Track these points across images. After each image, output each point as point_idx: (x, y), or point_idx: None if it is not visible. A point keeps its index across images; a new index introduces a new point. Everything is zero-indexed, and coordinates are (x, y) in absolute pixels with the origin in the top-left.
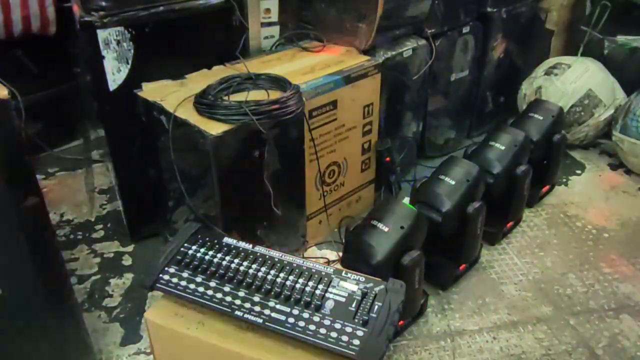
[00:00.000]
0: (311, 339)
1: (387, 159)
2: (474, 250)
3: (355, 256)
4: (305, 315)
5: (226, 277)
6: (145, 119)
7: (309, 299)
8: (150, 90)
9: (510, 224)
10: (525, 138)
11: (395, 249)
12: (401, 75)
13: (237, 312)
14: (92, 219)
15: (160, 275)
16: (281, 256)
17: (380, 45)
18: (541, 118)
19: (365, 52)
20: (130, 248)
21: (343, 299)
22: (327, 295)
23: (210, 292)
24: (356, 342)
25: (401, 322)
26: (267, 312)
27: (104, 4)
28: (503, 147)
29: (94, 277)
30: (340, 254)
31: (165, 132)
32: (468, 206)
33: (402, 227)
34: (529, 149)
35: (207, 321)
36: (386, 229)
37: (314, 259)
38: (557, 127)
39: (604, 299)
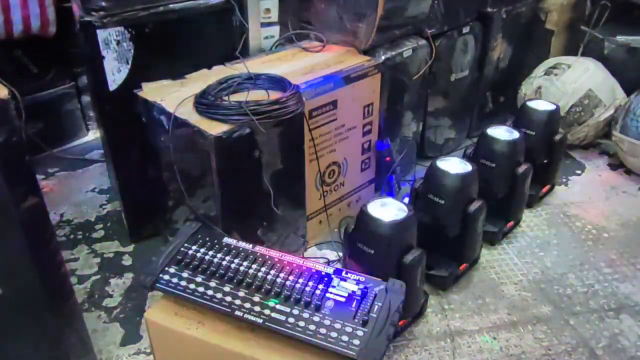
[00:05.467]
0: (311, 339)
1: (387, 159)
2: (474, 250)
3: None
4: (305, 315)
5: (226, 277)
6: (145, 119)
7: (309, 299)
8: (150, 90)
9: (511, 223)
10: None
11: None
12: (401, 75)
13: (237, 312)
14: (92, 219)
15: (160, 275)
16: (281, 256)
17: (380, 45)
18: None
19: (365, 52)
20: (130, 248)
21: (343, 299)
22: (327, 295)
23: (210, 292)
24: (356, 342)
25: (401, 322)
26: (267, 312)
27: (104, 4)
28: None
29: (94, 277)
30: (341, 254)
31: (165, 132)
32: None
33: None
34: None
35: (207, 321)
36: None
37: (314, 259)
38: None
39: (604, 299)
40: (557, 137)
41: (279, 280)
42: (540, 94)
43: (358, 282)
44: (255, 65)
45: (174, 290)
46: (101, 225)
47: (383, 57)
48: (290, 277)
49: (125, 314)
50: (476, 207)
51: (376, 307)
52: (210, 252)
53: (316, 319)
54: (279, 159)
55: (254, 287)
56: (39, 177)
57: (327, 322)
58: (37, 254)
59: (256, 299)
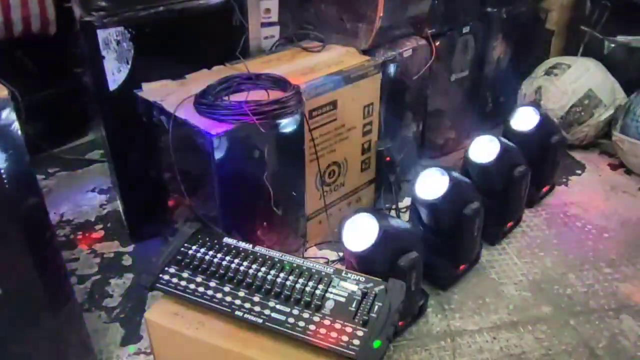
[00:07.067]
0: (311, 339)
1: (387, 159)
2: (471, 252)
3: None
4: (305, 315)
5: (226, 277)
6: (145, 119)
7: (309, 299)
8: (150, 90)
9: (510, 223)
10: None
11: None
12: (401, 75)
13: (237, 312)
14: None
15: (160, 275)
16: (281, 256)
17: (380, 45)
18: None
19: (365, 52)
20: (130, 248)
21: (343, 299)
22: (327, 295)
23: (210, 292)
24: (356, 342)
25: (401, 323)
26: (267, 312)
27: (104, 4)
28: None
29: (94, 277)
30: (341, 254)
31: (165, 132)
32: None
33: None
34: None
35: (207, 321)
36: None
37: (314, 259)
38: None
39: (604, 299)
40: (554, 138)
41: (279, 280)
42: (540, 94)
43: (358, 282)
44: (255, 65)
45: (174, 290)
46: (101, 225)
47: (383, 57)
48: (290, 277)
49: (125, 314)
50: (472, 209)
51: (376, 307)
52: (210, 252)
53: (316, 319)
54: (279, 159)
55: (254, 287)
56: (39, 177)
57: (327, 322)
58: (37, 254)
59: (256, 299)
